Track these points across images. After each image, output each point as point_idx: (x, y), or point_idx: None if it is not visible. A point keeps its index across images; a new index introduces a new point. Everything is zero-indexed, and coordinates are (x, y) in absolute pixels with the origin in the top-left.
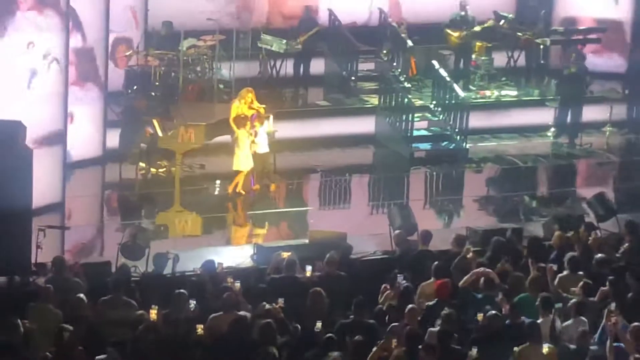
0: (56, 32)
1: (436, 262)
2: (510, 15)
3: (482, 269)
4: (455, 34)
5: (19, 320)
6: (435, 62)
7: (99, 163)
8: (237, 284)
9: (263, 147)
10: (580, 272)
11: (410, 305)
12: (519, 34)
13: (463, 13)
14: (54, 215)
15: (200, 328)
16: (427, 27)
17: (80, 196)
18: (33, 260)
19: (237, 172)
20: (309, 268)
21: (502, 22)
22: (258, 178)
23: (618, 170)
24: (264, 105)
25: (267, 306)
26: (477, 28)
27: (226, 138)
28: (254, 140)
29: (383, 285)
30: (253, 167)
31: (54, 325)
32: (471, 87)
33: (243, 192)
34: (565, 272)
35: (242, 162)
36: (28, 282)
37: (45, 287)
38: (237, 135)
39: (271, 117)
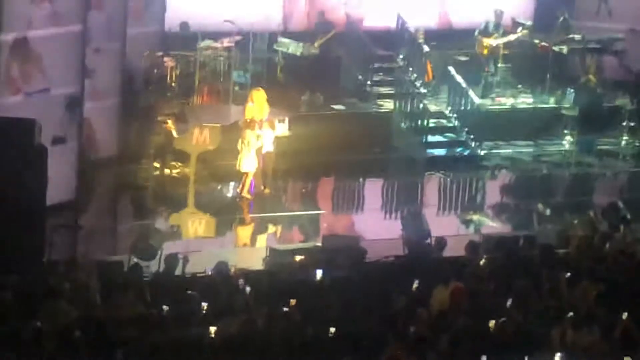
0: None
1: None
2: (528, 23)
3: None
4: (489, 42)
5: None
6: (451, 68)
7: (113, 162)
8: (248, 288)
9: (266, 147)
10: (595, 281)
11: (418, 310)
12: (536, 41)
13: (494, 22)
14: (67, 213)
15: (213, 330)
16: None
17: (94, 195)
18: (46, 259)
19: (245, 174)
20: (320, 272)
21: (519, 29)
22: (261, 180)
23: (631, 179)
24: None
25: (284, 309)
26: (512, 37)
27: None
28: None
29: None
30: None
31: (66, 323)
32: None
33: (248, 196)
34: (582, 282)
35: (245, 163)
36: (41, 280)
37: (60, 284)
38: (244, 136)
39: (286, 120)
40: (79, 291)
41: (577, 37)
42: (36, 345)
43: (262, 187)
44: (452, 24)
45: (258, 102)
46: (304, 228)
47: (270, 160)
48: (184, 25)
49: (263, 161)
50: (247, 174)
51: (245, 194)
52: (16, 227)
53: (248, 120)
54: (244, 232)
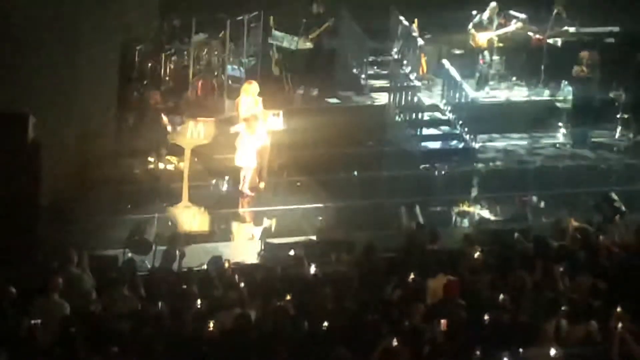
0: None
1: (443, 261)
2: (523, 15)
3: None
4: (483, 36)
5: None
6: (445, 61)
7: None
8: (242, 282)
9: (262, 142)
10: (590, 274)
11: (413, 303)
12: (530, 33)
13: (489, 15)
14: (62, 208)
15: (211, 324)
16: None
17: (89, 189)
18: (41, 253)
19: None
20: (315, 265)
21: (514, 22)
22: (257, 174)
23: (625, 171)
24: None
25: (278, 303)
26: (508, 30)
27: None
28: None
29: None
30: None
31: (60, 318)
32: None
33: (248, 192)
34: (577, 274)
35: (244, 159)
36: (35, 274)
37: (53, 279)
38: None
39: (281, 114)
40: (73, 286)
41: (571, 29)
42: (31, 341)
43: (257, 181)
44: None
45: (251, 95)
46: (299, 222)
47: (265, 154)
48: (179, 18)
49: (259, 155)
50: (244, 169)
51: (245, 189)
52: (9, 222)
53: (247, 117)
54: (240, 226)
